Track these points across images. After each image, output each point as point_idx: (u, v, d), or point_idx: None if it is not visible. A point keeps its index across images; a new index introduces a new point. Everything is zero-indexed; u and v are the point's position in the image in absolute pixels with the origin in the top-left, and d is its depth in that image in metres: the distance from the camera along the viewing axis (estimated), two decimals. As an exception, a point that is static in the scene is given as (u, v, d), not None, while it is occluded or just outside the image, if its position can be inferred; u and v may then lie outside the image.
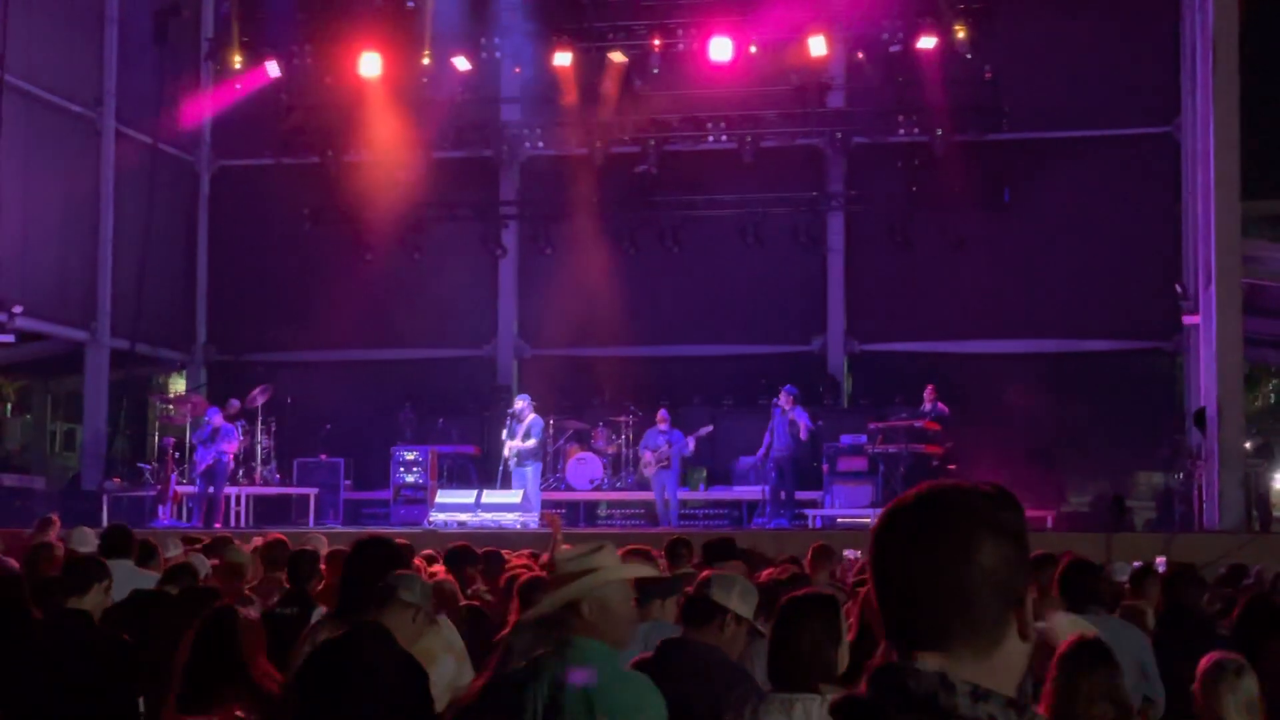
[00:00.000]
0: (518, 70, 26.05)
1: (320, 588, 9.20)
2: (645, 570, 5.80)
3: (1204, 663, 5.77)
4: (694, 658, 5.81)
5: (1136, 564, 11.16)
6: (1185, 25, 24.54)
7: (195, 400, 24.89)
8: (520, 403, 22.17)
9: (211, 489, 22.36)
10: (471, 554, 11.01)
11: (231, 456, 22.64)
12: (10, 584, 8.49)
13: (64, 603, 7.29)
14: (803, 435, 21.88)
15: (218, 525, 21.50)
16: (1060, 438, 24.50)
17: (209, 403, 24.00)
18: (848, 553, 12.67)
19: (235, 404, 23.66)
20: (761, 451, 22.17)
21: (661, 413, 22.85)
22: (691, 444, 22.59)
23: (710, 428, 23.14)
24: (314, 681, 5.88)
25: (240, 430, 23.53)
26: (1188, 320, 23.61)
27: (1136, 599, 9.20)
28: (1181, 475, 23.10)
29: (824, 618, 5.15)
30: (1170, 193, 25.28)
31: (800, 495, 22.99)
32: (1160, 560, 13.35)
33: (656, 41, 24.70)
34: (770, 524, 21.82)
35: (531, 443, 21.76)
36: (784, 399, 21.92)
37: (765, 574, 9.37)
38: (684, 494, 23.71)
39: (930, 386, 23.01)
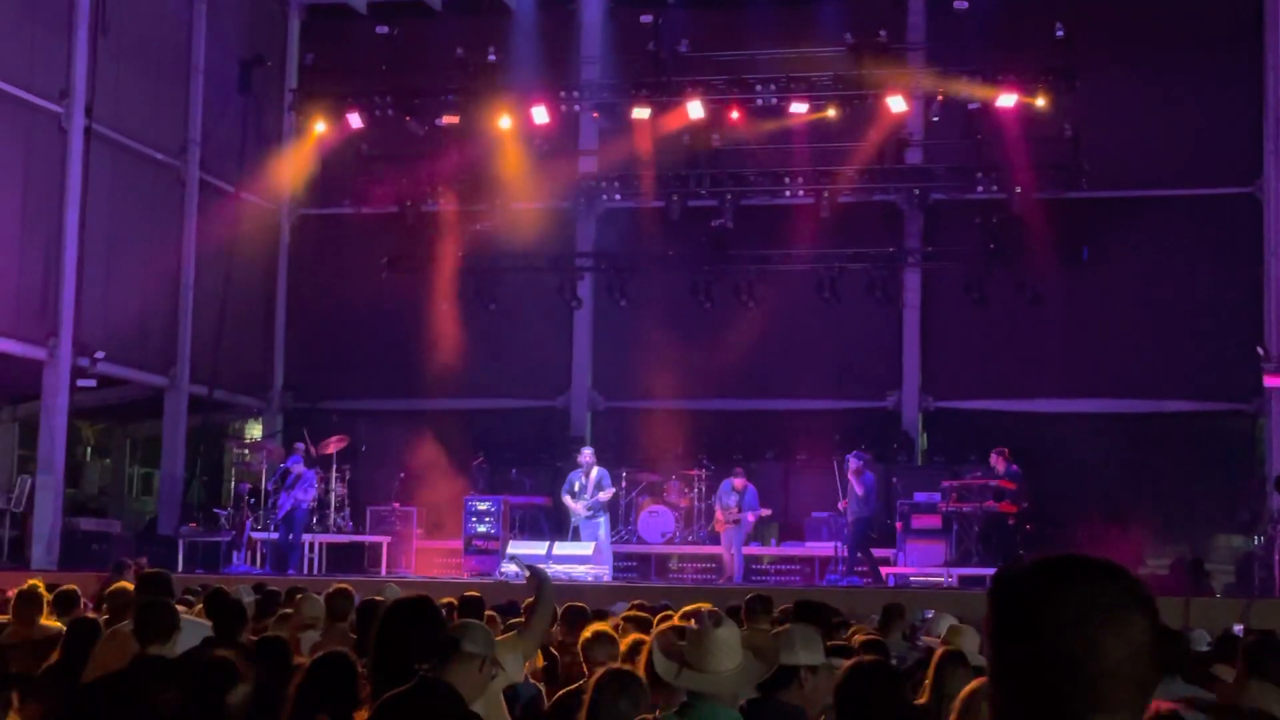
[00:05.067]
0: (595, 115, 26.20)
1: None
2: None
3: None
4: (787, 712, 5.78)
5: (1237, 628, 10.95)
6: (1268, 85, 24.38)
7: (271, 447, 25.10)
8: (588, 454, 22.27)
9: (291, 535, 22.54)
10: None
11: (310, 503, 22.81)
12: (90, 631, 8.59)
13: (145, 649, 7.35)
14: (859, 491, 21.89)
15: (290, 572, 21.63)
16: (1138, 499, 24.21)
17: (286, 449, 24.26)
18: (926, 613, 12.54)
19: (300, 447, 23.84)
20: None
21: (737, 471, 22.77)
22: (751, 518, 22.53)
23: (768, 511, 23.05)
24: None
25: (317, 477, 23.71)
26: (1269, 382, 23.34)
27: (1220, 668, 9.03)
28: (1262, 539, 22.75)
29: (885, 684, 5.11)
30: (1252, 253, 25.01)
31: (873, 552, 22.94)
32: (1237, 627, 13.15)
33: (735, 96, 24.78)
34: (843, 581, 21.71)
35: (608, 493, 21.88)
36: (853, 464, 21.94)
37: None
38: (755, 549, 23.67)
39: (998, 451, 22.69)
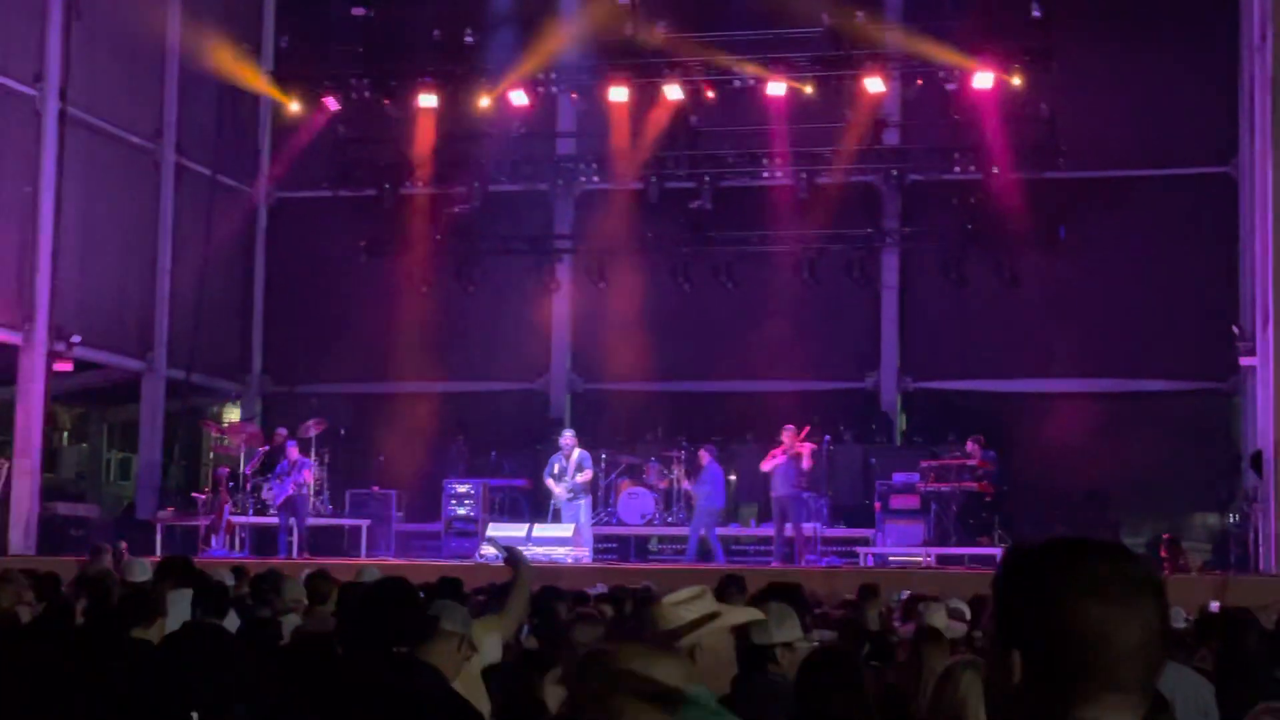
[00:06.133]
0: (574, 95, 26.15)
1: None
2: (755, 614, 5.74)
3: (1252, 713, 5.70)
4: (764, 690, 5.78)
5: (1214, 605, 11.00)
6: (1244, 65, 24.42)
7: (250, 431, 25.05)
8: (569, 437, 22.23)
9: (293, 520, 22.54)
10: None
11: (309, 487, 22.91)
12: (65, 614, 8.58)
13: (128, 632, 7.34)
14: (805, 465, 21.69)
15: (283, 555, 21.68)
16: (1115, 478, 24.31)
17: (265, 433, 24.30)
18: (901, 594, 12.62)
19: (283, 432, 23.85)
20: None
21: (700, 453, 22.76)
22: (687, 485, 22.59)
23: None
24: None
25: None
26: (1245, 361, 23.41)
27: (1200, 645, 9.07)
28: (1237, 517, 22.88)
29: (840, 670, 5.11)
30: (1227, 233, 25.10)
31: (851, 533, 22.99)
32: (1214, 604, 13.22)
33: (712, 78, 24.78)
34: (822, 561, 21.74)
35: (587, 474, 21.85)
36: (787, 437, 21.73)
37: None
38: (735, 530, 23.74)
39: (974, 438, 22.73)
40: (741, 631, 5.99)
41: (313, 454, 24.16)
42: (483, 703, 6.58)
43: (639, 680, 3.87)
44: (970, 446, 22.61)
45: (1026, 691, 2.30)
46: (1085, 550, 2.33)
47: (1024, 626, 2.32)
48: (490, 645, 7.13)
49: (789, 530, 21.96)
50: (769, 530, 24.02)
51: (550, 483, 22.06)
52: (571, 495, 21.80)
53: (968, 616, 9.67)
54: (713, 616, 4.91)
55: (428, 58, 25.75)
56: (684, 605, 4.90)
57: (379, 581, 6.87)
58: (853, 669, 5.24)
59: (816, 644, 6.27)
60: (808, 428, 21.94)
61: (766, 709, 5.69)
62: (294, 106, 26.47)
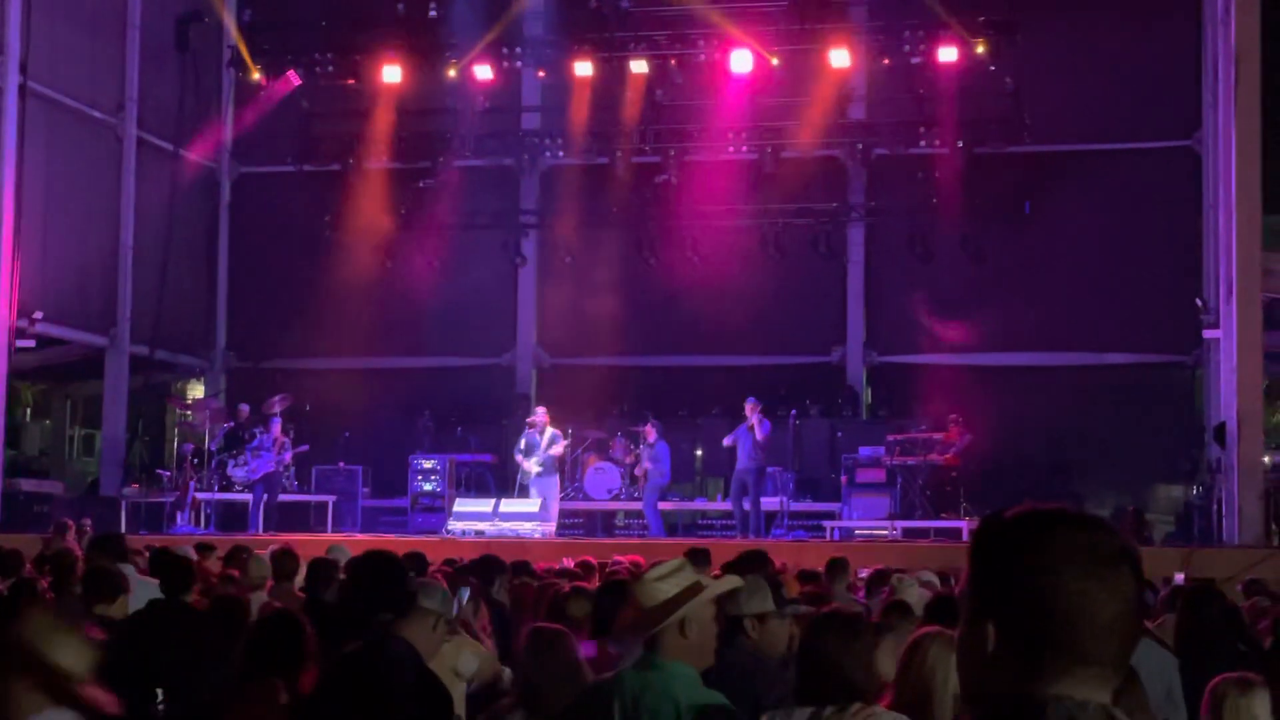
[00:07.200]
0: (541, 73, 26.03)
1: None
2: (736, 581, 5.72)
3: (1212, 684, 5.75)
4: (735, 661, 5.79)
5: (1179, 577, 11.08)
6: (1207, 38, 24.50)
7: (214, 407, 24.94)
8: (542, 414, 22.18)
9: (266, 496, 22.51)
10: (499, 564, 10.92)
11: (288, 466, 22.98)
12: (30, 592, 8.53)
13: (92, 609, 7.32)
14: (759, 436, 21.62)
15: (253, 531, 21.66)
16: (1079, 451, 24.45)
17: (229, 409, 24.24)
18: (861, 572, 12.68)
19: (245, 408, 23.79)
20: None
21: (645, 427, 22.78)
22: (647, 464, 22.64)
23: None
24: (331, 700, 5.74)
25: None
26: (1208, 334, 23.54)
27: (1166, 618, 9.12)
28: (1201, 489, 23.03)
29: (850, 634, 5.09)
30: (1191, 206, 25.20)
31: (818, 506, 23.04)
32: (1179, 575, 13.33)
33: (678, 52, 24.72)
34: (789, 535, 21.79)
35: (558, 447, 21.82)
36: (751, 410, 21.70)
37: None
38: (701, 504, 23.78)
39: (954, 418, 22.84)
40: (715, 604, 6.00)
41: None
42: (453, 688, 6.61)
43: (33, 660, 3.64)
44: (951, 426, 22.75)
45: (999, 662, 2.28)
46: (1063, 520, 2.31)
47: (999, 597, 2.29)
48: (466, 661, 7.14)
49: (747, 504, 21.87)
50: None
51: (520, 459, 22.05)
52: (541, 470, 21.79)
53: (939, 588, 9.71)
54: (695, 588, 4.90)
55: (392, 32, 25.57)
56: (666, 580, 4.89)
57: (366, 554, 6.89)
58: (858, 633, 5.20)
59: (789, 616, 6.27)
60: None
61: (741, 679, 5.71)
62: (257, 80, 26.30)
